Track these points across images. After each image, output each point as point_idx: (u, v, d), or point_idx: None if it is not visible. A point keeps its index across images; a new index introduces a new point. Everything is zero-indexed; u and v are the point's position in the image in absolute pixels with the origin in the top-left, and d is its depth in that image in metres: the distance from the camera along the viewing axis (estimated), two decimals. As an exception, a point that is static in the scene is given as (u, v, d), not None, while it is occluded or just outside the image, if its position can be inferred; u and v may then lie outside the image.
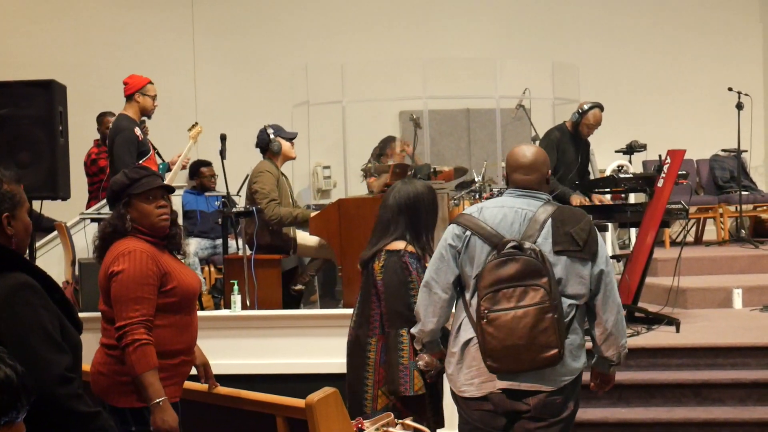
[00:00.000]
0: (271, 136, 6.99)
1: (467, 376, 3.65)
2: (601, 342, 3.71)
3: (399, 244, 4.06)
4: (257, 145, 7.08)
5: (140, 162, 6.52)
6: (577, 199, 7.10)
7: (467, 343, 3.64)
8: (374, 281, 4.03)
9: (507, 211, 3.65)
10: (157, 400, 3.50)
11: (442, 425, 4.26)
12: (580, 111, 7.40)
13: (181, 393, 3.78)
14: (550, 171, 3.84)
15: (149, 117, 6.92)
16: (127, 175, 3.76)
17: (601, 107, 7.44)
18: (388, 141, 9.64)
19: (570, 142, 7.44)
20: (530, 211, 3.65)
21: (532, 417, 3.61)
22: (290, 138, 7.12)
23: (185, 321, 3.74)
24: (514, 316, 3.46)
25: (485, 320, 3.49)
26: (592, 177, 8.67)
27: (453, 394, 3.77)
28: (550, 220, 3.61)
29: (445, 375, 3.89)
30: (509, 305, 3.48)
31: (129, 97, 6.69)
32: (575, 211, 3.76)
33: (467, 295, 3.67)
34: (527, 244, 3.53)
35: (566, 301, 3.59)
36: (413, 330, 3.84)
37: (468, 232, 3.64)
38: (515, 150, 3.82)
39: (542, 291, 3.47)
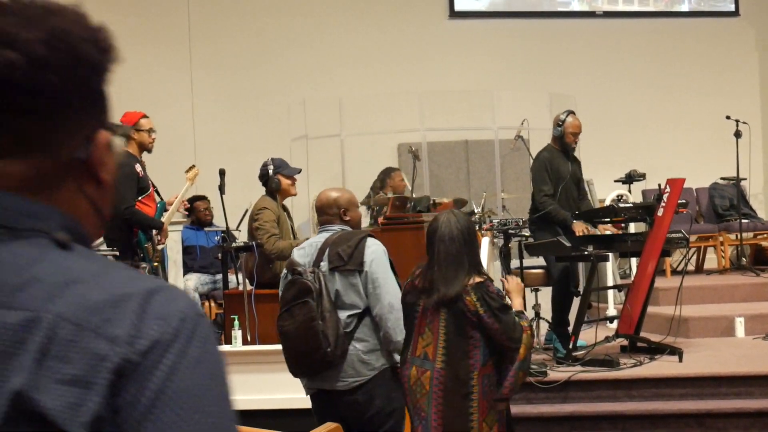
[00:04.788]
0: (270, 173, 6.95)
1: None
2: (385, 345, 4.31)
3: (478, 278, 3.98)
4: (260, 179, 7.03)
5: (140, 198, 6.50)
6: (579, 227, 7.05)
7: None
8: (472, 318, 3.91)
9: (308, 247, 4.45)
10: None
11: None
12: (560, 123, 7.35)
13: None
14: (344, 209, 4.46)
15: (149, 151, 6.82)
16: None
17: (573, 113, 7.45)
18: (388, 172, 9.62)
19: (560, 159, 7.39)
20: (321, 241, 4.41)
21: (343, 416, 4.24)
22: (291, 175, 7.02)
23: None
24: (291, 328, 4.24)
25: (281, 334, 4.31)
26: (593, 206, 8.65)
27: None
28: (327, 245, 4.35)
29: None
30: (289, 320, 4.26)
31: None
32: (352, 234, 4.40)
33: None
34: (309, 269, 4.27)
35: (345, 312, 4.25)
36: None
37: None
38: (318, 196, 4.61)
39: (309, 305, 4.19)
